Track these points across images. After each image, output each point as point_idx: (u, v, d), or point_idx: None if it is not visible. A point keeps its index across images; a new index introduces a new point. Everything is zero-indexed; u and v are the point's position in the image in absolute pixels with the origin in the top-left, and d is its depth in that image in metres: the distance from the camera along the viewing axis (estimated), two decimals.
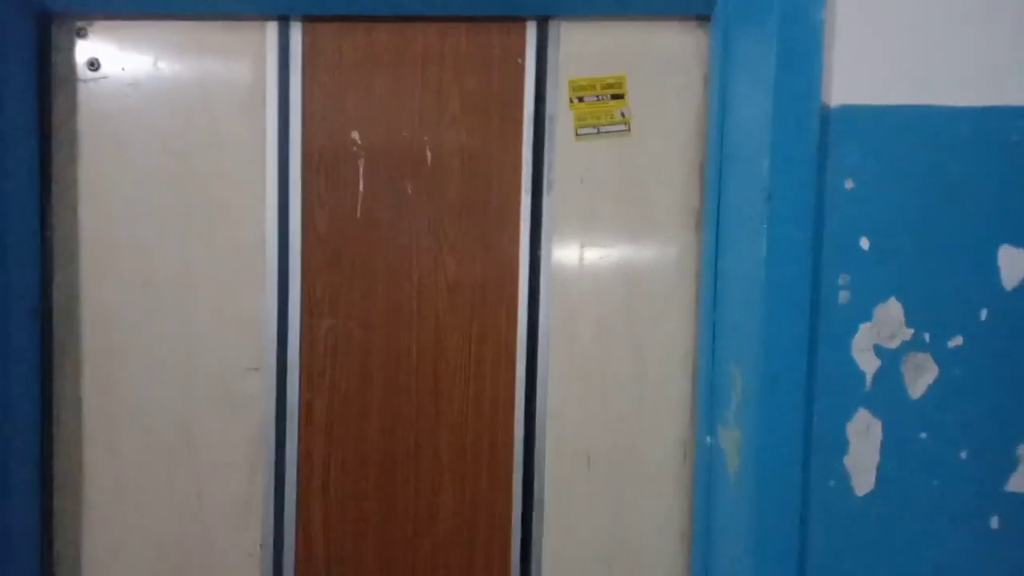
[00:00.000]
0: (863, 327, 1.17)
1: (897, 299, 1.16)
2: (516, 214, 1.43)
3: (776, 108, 1.12)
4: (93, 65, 1.42)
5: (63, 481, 1.46)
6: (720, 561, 1.30)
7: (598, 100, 1.40)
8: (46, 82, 1.42)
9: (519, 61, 1.41)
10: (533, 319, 1.43)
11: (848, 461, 1.18)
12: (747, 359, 1.20)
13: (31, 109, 1.39)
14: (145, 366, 1.44)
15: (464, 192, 1.43)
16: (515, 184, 1.42)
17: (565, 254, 1.42)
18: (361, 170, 1.43)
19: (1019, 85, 1.14)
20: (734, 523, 1.24)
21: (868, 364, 1.17)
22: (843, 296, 1.16)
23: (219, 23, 1.41)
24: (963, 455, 1.18)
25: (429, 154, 1.42)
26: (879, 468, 1.18)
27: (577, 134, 1.41)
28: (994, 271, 1.16)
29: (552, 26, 1.40)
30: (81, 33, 1.42)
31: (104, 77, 1.42)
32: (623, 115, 1.40)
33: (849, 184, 1.15)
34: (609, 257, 1.42)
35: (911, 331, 1.16)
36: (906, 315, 1.16)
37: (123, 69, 1.42)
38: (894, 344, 1.17)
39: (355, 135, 1.42)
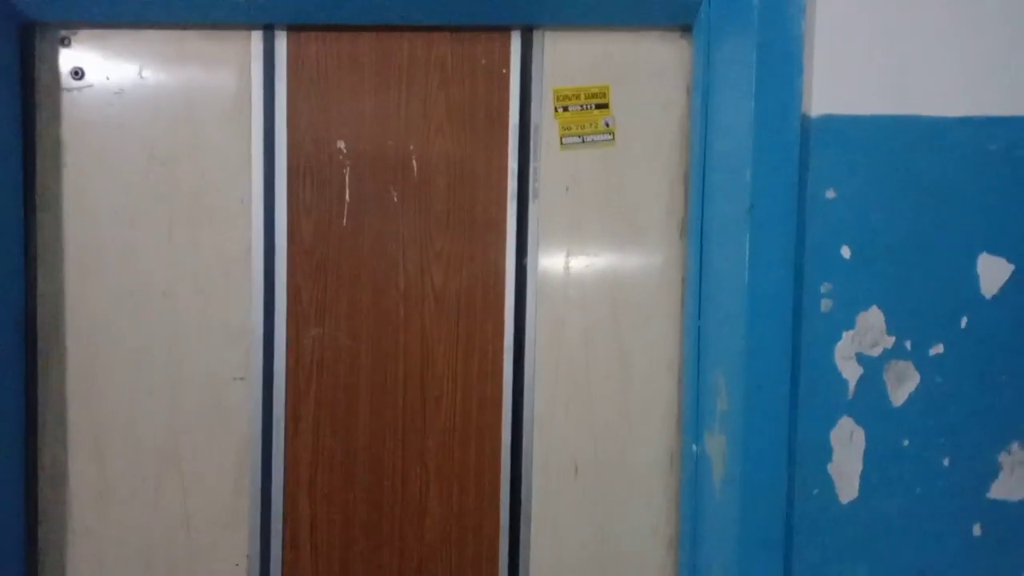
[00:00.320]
0: (846, 335, 1.18)
1: (879, 307, 1.17)
2: (502, 223, 1.43)
3: (758, 118, 1.13)
4: (77, 74, 1.41)
5: (47, 491, 1.45)
6: (707, 568, 1.31)
7: (583, 109, 1.41)
8: (30, 91, 1.41)
9: (504, 70, 1.41)
10: (519, 327, 1.44)
11: (832, 468, 1.19)
12: (732, 367, 1.20)
13: (14, 118, 1.38)
14: (130, 376, 1.44)
15: (450, 201, 1.43)
16: (501, 193, 1.43)
17: (551, 263, 1.43)
18: (347, 179, 1.43)
19: (998, 95, 1.16)
20: (721, 530, 1.24)
21: (851, 372, 1.18)
22: (825, 304, 1.17)
23: (204, 32, 1.41)
24: (945, 462, 1.19)
25: (415, 163, 1.43)
26: (862, 475, 1.19)
27: (562, 143, 1.41)
28: (974, 279, 1.17)
29: (537, 36, 1.41)
30: (65, 42, 1.41)
31: (88, 86, 1.42)
32: (607, 124, 1.41)
33: (830, 193, 1.16)
34: (595, 265, 1.42)
35: (893, 339, 1.17)
36: (887, 323, 1.17)
37: (107, 78, 1.42)
38: (876, 352, 1.18)
39: (341, 144, 1.42)
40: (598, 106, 1.41)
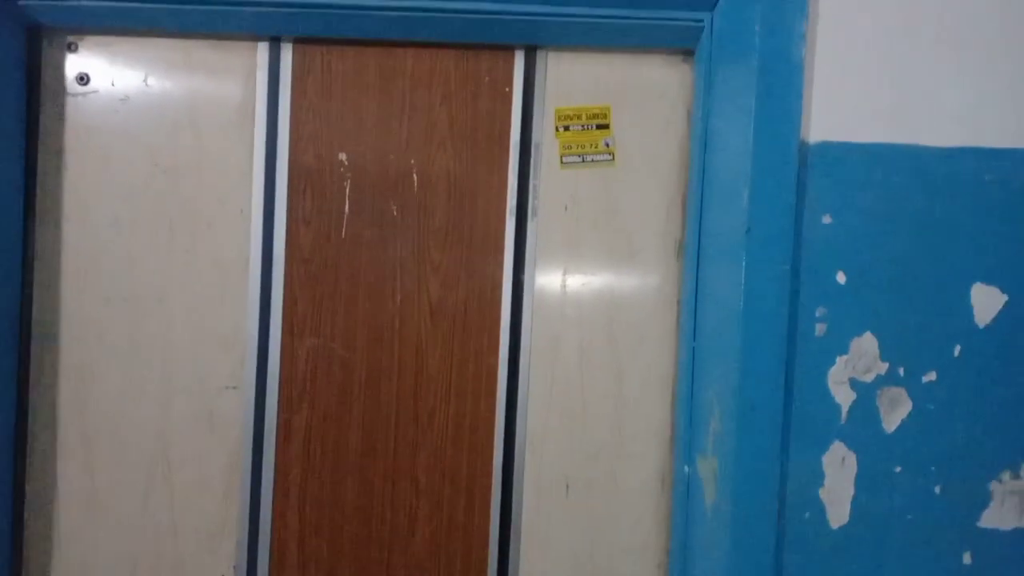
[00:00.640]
0: (839, 360, 1.18)
1: (873, 333, 1.18)
2: (500, 239, 1.44)
3: (756, 143, 1.14)
4: (83, 79, 1.42)
5: (36, 498, 1.43)
6: None
7: (583, 129, 1.42)
8: (35, 95, 1.42)
9: (507, 89, 1.43)
10: (515, 344, 1.44)
11: (823, 493, 1.19)
12: (725, 389, 1.21)
13: (19, 121, 1.39)
14: (122, 382, 1.43)
15: (449, 216, 1.44)
16: (500, 209, 1.43)
17: (548, 280, 1.43)
18: (347, 191, 1.43)
19: (995, 127, 1.17)
20: (711, 553, 1.24)
21: (844, 397, 1.18)
22: (820, 329, 1.18)
23: (210, 41, 1.42)
24: (937, 490, 1.19)
25: (415, 177, 1.43)
26: (854, 501, 1.19)
27: (562, 162, 1.42)
28: (967, 308, 1.18)
29: (540, 56, 1.42)
30: (72, 48, 1.42)
31: (93, 92, 1.43)
32: (608, 145, 1.42)
33: (827, 219, 1.17)
34: (591, 284, 1.43)
35: (886, 365, 1.18)
36: (881, 349, 1.18)
37: (113, 84, 1.42)
38: (869, 378, 1.18)
39: (342, 156, 1.43)
40: (599, 126, 1.42)
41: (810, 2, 1.14)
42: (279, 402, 1.43)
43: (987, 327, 1.18)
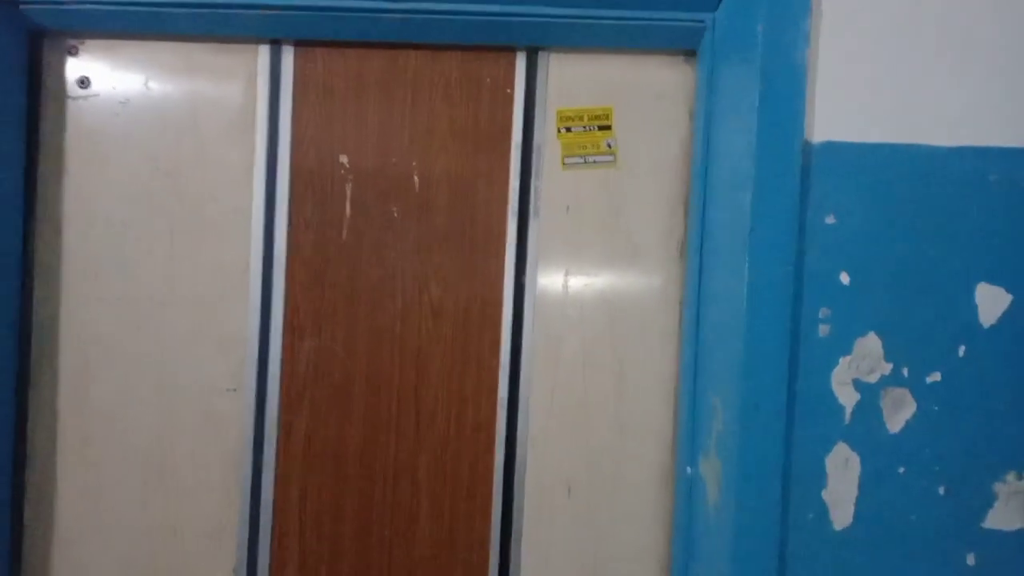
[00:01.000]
0: (843, 361, 1.18)
1: (876, 334, 1.17)
2: (502, 241, 1.43)
3: (759, 143, 1.14)
4: (83, 83, 1.42)
5: (35, 498, 1.43)
6: None
7: (585, 131, 1.42)
8: (36, 98, 1.42)
9: (508, 90, 1.43)
10: (516, 345, 1.43)
11: (826, 495, 1.18)
12: (728, 390, 1.20)
13: (20, 124, 1.39)
14: (123, 384, 1.43)
15: (450, 217, 1.43)
16: (502, 211, 1.43)
17: (550, 281, 1.43)
18: (348, 193, 1.43)
19: (997, 126, 1.17)
20: (714, 554, 1.24)
21: (847, 397, 1.18)
22: (823, 329, 1.17)
23: (211, 44, 1.42)
24: (941, 491, 1.18)
25: (417, 179, 1.43)
26: (857, 502, 1.18)
27: (564, 163, 1.42)
28: (972, 308, 1.17)
29: (541, 57, 1.42)
30: (73, 51, 1.42)
31: (94, 95, 1.42)
32: (609, 146, 1.42)
33: (830, 219, 1.17)
34: (593, 285, 1.43)
35: (890, 366, 1.17)
36: (885, 350, 1.17)
37: (114, 87, 1.42)
38: (873, 378, 1.18)
39: (343, 159, 1.43)
40: (601, 127, 1.42)
41: (813, 2, 1.14)
42: (280, 404, 1.43)
43: (992, 327, 1.17)
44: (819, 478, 1.18)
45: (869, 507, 1.18)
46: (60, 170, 1.42)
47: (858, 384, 1.18)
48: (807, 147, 1.16)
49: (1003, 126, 1.17)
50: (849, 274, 1.17)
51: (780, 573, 1.18)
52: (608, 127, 1.42)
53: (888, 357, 1.17)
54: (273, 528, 1.44)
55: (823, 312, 1.17)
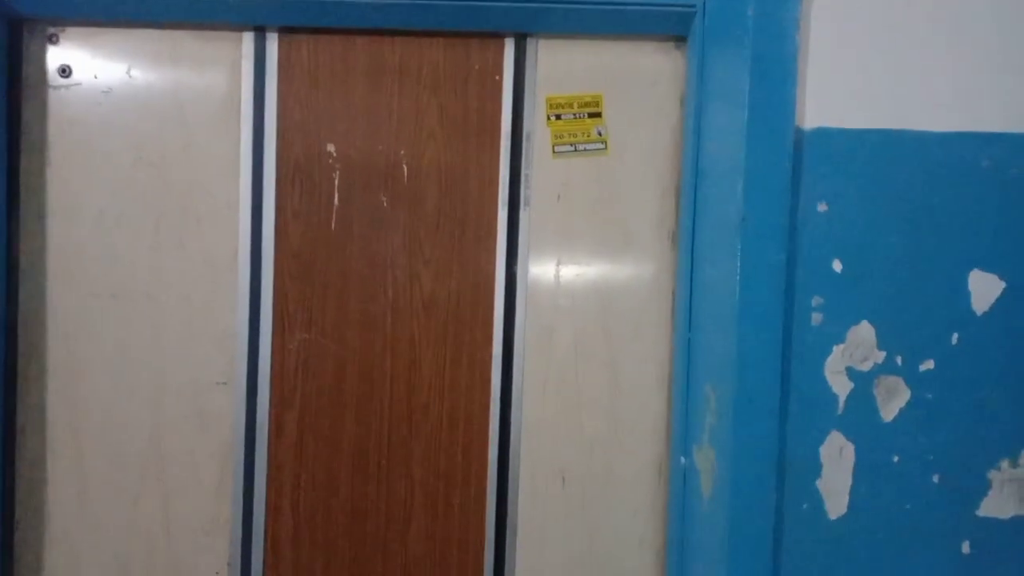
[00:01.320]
0: (836, 349, 1.17)
1: (869, 322, 1.17)
2: (493, 230, 1.42)
3: (751, 129, 1.13)
4: (65, 72, 1.40)
5: (26, 495, 1.42)
6: None
7: (575, 118, 1.40)
8: (16, 88, 1.39)
9: (497, 77, 1.41)
10: (509, 336, 1.43)
11: (821, 484, 1.18)
12: (721, 379, 1.20)
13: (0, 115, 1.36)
14: (112, 379, 1.41)
15: (440, 207, 1.42)
16: (492, 200, 1.42)
17: (541, 271, 1.42)
18: (336, 183, 1.41)
19: (990, 111, 1.16)
20: (708, 544, 1.24)
21: (841, 386, 1.18)
22: (816, 318, 1.17)
23: (194, 32, 1.39)
24: (935, 479, 1.18)
25: (405, 168, 1.42)
26: (852, 491, 1.18)
27: (554, 151, 1.41)
28: (965, 295, 1.17)
29: (530, 43, 1.40)
30: (53, 39, 1.40)
31: (76, 84, 1.40)
32: (600, 133, 1.40)
33: (822, 207, 1.16)
34: (585, 274, 1.42)
35: (883, 354, 1.17)
36: (878, 338, 1.17)
37: (95, 76, 1.40)
38: (866, 367, 1.17)
39: (331, 148, 1.41)
40: (591, 115, 1.40)
41: None
42: (270, 398, 1.42)
43: (985, 314, 1.17)
44: (813, 467, 1.18)
45: (864, 496, 1.18)
46: (43, 162, 1.40)
47: (852, 373, 1.17)
48: (799, 133, 1.15)
49: (995, 111, 1.16)
50: (842, 262, 1.16)
51: (775, 562, 1.18)
52: (598, 114, 1.40)
53: (881, 345, 1.17)
54: (266, 522, 1.43)
55: (816, 300, 1.17)
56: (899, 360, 1.17)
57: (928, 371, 1.17)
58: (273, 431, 1.42)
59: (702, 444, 1.26)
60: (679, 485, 1.34)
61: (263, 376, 1.42)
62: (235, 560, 1.43)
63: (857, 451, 1.18)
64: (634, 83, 1.40)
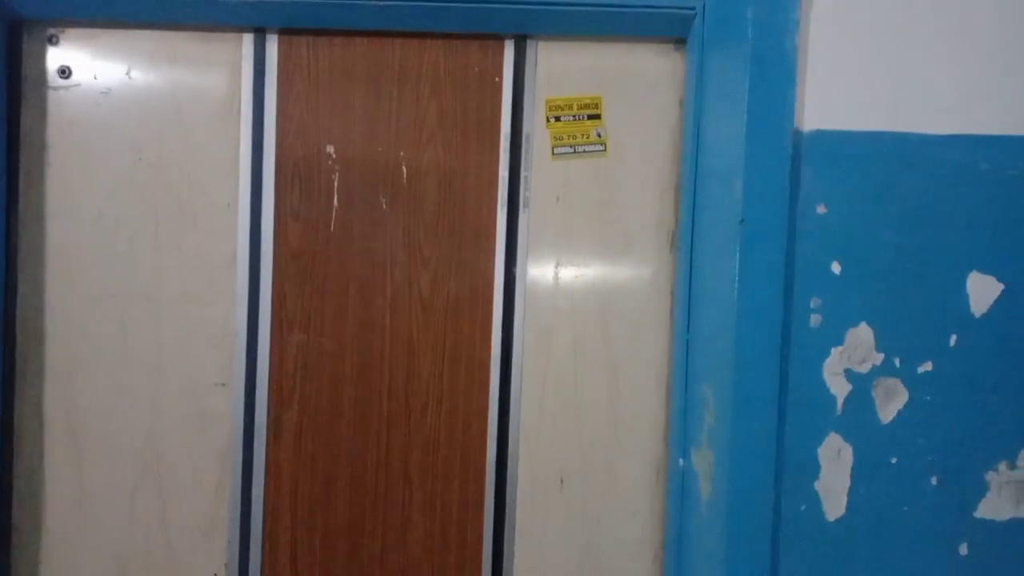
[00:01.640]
0: (834, 351, 1.17)
1: (868, 324, 1.17)
2: (492, 231, 1.42)
3: (750, 131, 1.13)
4: (64, 72, 1.40)
5: (23, 496, 1.42)
6: None
7: (575, 120, 1.40)
8: (15, 89, 1.39)
9: (496, 79, 1.41)
10: (507, 337, 1.43)
11: (819, 485, 1.19)
12: (720, 381, 1.20)
13: None
14: (110, 379, 1.41)
15: (440, 208, 1.42)
16: (491, 201, 1.42)
17: (540, 272, 1.42)
18: (336, 184, 1.41)
19: (989, 114, 1.16)
20: (707, 545, 1.24)
21: (839, 388, 1.18)
22: (815, 320, 1.17)
23: (194, 33, 1.40)
24: (933, 480, 1.18)
25: (405, 169, 1.42)
26: (850, 493, 1.18)
27: (553, 153, 1.41)
28: (963, 297, 1.17)
29: (530, 45, 1.40)
30: (53, 40, 1.40)
31: (76, 85, 1.40)
32: (599, 135, 1.41)
33: (821, 208, 1.16)
34: (584, 276, 1.42)
35: (881, 356, 1.17)
36: (877, 339, 1.17)
37: (95, 77, 1.40)
38: (865, 368, 1.17)
39: (330, 149, 1.41)
40: (590, 116, 1.40)
41: None
42: (269, 398, 1.42)
43: (983, 316, 1.17)
44: (811, 469, 1.18)
45: (862, 497, 1.18)
46: (42, 163, 1.40)
47: (850, 374, 1.18)
48: (797, 136, 1.15)
49: (994, 114, 1.16)
50: (840, 264, 1.16)
51: (773, 563, 1.18)
52: (598, 116, 1.41)
53: (880, 347, 1.17)
54: (264, 523, 1.43)
55: (814, 302, 1.17)
56: (897, 362, 1.17)
57: (926, 373, 1.17)
58: (272, 432, 1.42)
59: (701, 445, 1.26)
60: (677, 486, 1.34)
61: (262, 377, 1.42)
62: (233, 560, 1.43)
63: (855, 452, 1.18)
64: (633, 85, 1.40)
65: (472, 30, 1.38)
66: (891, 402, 1.18)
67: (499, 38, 1.40)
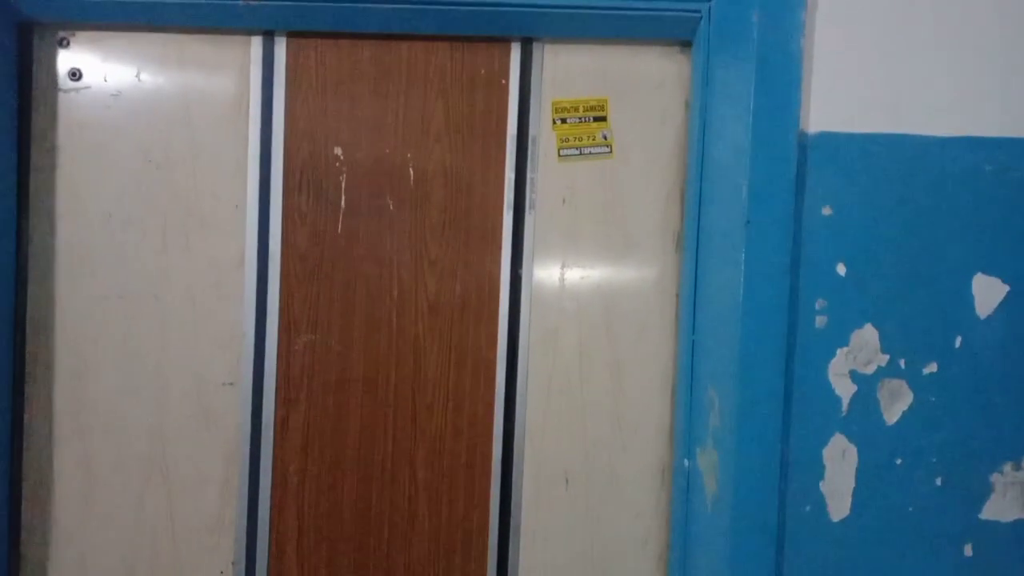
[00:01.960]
0: (840, 352, 1.18)
1: (873, 325, 1.17)
2: (498, 233, 1.43)
3: (755, 133, 1.14)
4: (75, 75, 1.41)
5: (32, 494, 1.43)
6: None
7: (581, 122, 1.41)
8: (27, 91, 1.40)
9: (503, 81, 1.42)
10: (513, 337, 1.43)
11: (824, 486, 1.19)
12: (725, 382, 1.20)
13: (10, 118, 1.37)
14: (119, 379, 1.42)
15: (446, 210, 1.43)
16: (497, 203, 1.42)
17: (546, 274, 1.42)
18: (343, 186, 1.42)
19: (993, 116, 1.16)
20: (711, 546, 1.24)
21: (844, 389, 1.18)
22: (820, 321, 1.17)
23: (203, 36, 1.40)
24: (938, 482, 1.18)
25: (412, 171, 1.42)
26: (855, 493, 1.18)
27: (559, 155, 1.41)
28: (968, 299, 1.17)
29: (536, 48, 1.41)
30: (63, 43, 1.41)
31: (86, 87, 1.41)
32: (605, 137, 1.41)
33: (827, 210, 1.16)
34: (590, 277, 1.42)
35: (887, 357, 1.17)
36: (882, 341, 1.17)
37: (105, 80, 1.41)
38: (870, 370, 1.17)
39: (338, 151, 1.42)
40: (596, 119, 1.41)
41: None
42: (276, 398, 1.43)
43: (988, 318, 1.17)
44: (816, 470, 1.19)
45: (866, 498, 1.18)
46: (53, 164, 1.41)
47: (855, 376, 1.18)
48: (803, 138, 1.16)
49: (999, 116, 1.16)
50: (846, 265, 1.17)
51: (777, 564, 1.18)
52: (604, 118, 1.41)
53: (885, 348, 1.17)
54: (271, 522, 1.43)
55: (820, 303, 1.17)
56: (902, 363, 1.17)
57: (931, 374, 1.17)
58: (279, 431, 1.43)
59: (705, 446, 1.26)
60: (682, 487, 1.34)
61: (269, 376, 1.43)
62: (240, 559, 1.43)
63: (860, 453, 1.18)
64: (639, 87, 1.41)
65: (479, 33, 1.39)
66: (896, 403, 1.18)
67: (506, 41, 1.41)
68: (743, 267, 1.15)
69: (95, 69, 1.41)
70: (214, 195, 1.42)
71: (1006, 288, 1.17)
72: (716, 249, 1.25)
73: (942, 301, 1.17)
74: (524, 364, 1.43)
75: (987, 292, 1.17)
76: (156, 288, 1.42)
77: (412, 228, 1.43)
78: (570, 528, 1.43)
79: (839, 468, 1.18)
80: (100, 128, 1.41)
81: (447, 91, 1.42)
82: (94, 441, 1.43)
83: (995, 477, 1.18)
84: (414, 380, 1.43)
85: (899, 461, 1.18)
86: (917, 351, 1.17)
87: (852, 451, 1.18)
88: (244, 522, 1.43)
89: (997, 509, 1.18)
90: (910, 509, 1.18)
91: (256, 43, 1.41)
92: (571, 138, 1.41)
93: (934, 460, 1.18)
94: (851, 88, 1.16)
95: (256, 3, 1.28)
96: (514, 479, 1.43)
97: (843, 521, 1.19)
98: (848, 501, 1.18)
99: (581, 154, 1.41)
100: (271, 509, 1.43)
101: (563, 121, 1.41)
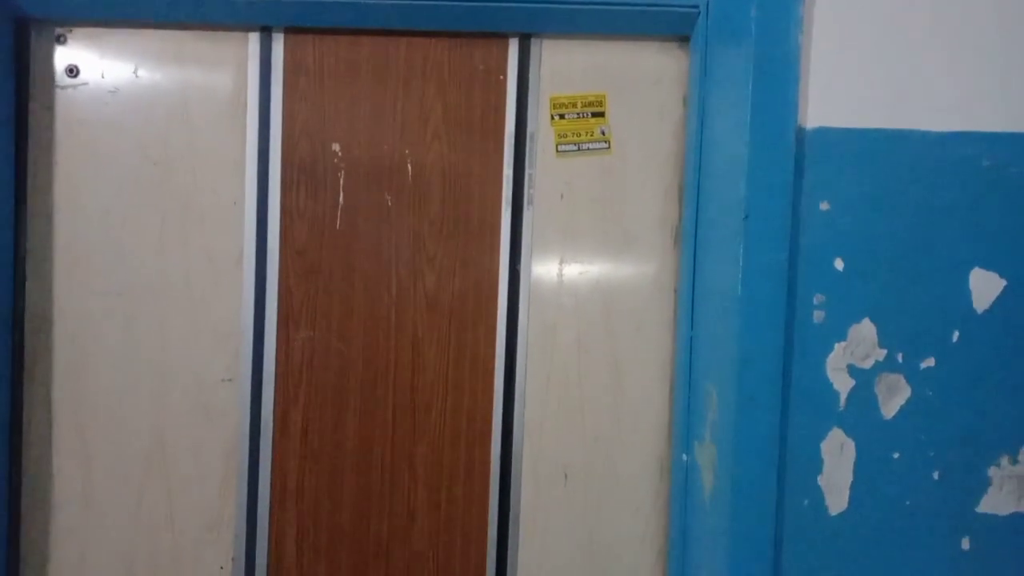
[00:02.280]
0: (837, 347, 1.18)
1: (871, 320, 1.17)
2: (496, 229, 1.43)
3: (753, 129, 1.14)
4: (72, 72, 1.41)
5: (31, 490, 1.43)
6: None
7: (579, 117, 1.41)
8: (24, 88, 1.40)
9: (501, 77, 1.42)
10: (512, 334, 1.43)
11: (822, 480, 1.19)
12: (723, 376, 1.20)
13: (7, 115, 1.37)
14: (118, 376, 1.42)
15: (445, 206, 1.43)
16: (496, 199, 1.42)
17: (544, 269, 1.43)
18: (341, 182, 1.42)
19: (991, 111, 1.17)
20: (710, 540, 1.24)
21: (842, 383, 1.18)
22: (818, 316, 1.17)
23: (201, 32, 1.40)
24: (935, 475, 1.19)
25: (410, 167, 1.42)
26: (852, 487, 1.19)
27: (558, 151, 1.42)
28: (966, 293, 1.17)
29: (534, 43, 1.41)
30: (61, 39, 1.41)
31: (83, 84, 1.41)
32: (603, 133, 1.41)
33: (824, 205, 1.16)
34: (588, 273, 1.42)
35: (884, 351, 1.18)
36: (879, 335, 1.17)
37: (103, 76, 1.41)
38: (868, 364, 1.18)
39: (336, 147, 1.42)
40: (594, 114, 1.41)
41: None
42: (275, 394, 1.43)
43: (986, 312, 1.17)
44: (814, 464, 1.19)
45: (864, 492, 1.19)
46: (50, 161, 1.41)
47: (853, 370, 1.18)
48: (801, 133, 1.16)
49: (996, 111, 1.16)
50: (843, 260, 1.17)
51: (776, 558, 1.19)
52: (602, 114, 1.41)
53: (882, 343, 1.18)
54: (271, 518, 1.44)
55: (817, 298, 1.17)
56: (900, 357, 1.18)
57: (929, 368, 1.18)
58: (278, 427, 1.43)
59: (704, 441, 1.27)
60: (681, 482, 1.34)
61: (268, 373, 1.43)
62: (239, 555, 1.44)
63: (858, 448, 1.18)
64: (637, 82, 1.41)
65: (477, 29, 1.39)
66: (894, 398, 1.18)
67: (504, 37, 1.41)
68: (741, 262, 1.15)
69: (92, 66, 1.41)
70: (212, 191, 1.42)
71: (1003, 283, 1.17)
72: (714, 244, 1.26)
73: (940, 296, 1.17)
74: (523, 360, 1.43)
75: (984, 287, 1.17)
76: (154, 284, 1.42)
77: (411, 224, 1.43)
78: (569, 523, 1.43)
79: (837, 462, 1.19)
80: (98, 125, 1.41)
81: (445, 87, 1.42)
82: (93, 438, 1.43)
83: (992, 471, 1.19)
84: (413, 376, 1.44)
85: (897, 455, 1.18)
86: (915, 345, 1.18)
87: (850, 445, 1.18)
88: (244, 518, 1.43)
89: (994, 502, 1.19)
90: (907, 503, 1.19)
91: (254, 39, 1.41)
92: (569, 134, 1.41)
93: (931, 454, 1.18)
94: (849, 83, 1.16)
95: None
96: (513, 474, 1.44)
97: (841, 515, 1.19)
98: (846, 495, 1.19)
99: (579, 150, 1.41)
100: (270, 505, 1.44)
101: (561, 117, 1.41)
